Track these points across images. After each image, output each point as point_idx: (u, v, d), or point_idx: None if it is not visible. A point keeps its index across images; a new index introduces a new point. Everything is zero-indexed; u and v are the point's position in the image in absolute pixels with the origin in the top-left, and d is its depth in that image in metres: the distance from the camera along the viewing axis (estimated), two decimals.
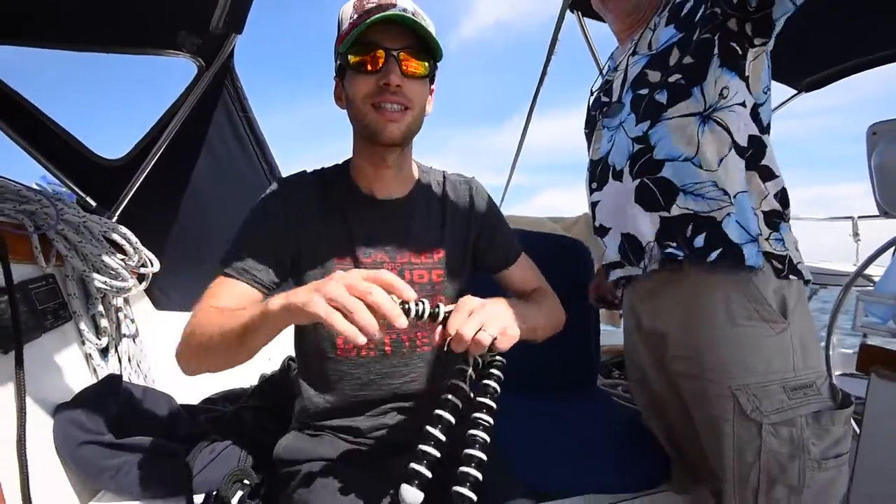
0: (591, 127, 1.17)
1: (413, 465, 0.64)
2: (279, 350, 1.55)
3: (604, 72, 1.21)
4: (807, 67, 1.94)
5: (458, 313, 0.67)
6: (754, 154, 0.92)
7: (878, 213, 1.74)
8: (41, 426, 1.00)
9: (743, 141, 0.91)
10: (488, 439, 0.66)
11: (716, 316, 0.91)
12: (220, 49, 1.46)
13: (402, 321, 0.59)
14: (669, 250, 0.94)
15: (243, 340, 0.68)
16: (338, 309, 0.57)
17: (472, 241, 0.98)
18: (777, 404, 0.87)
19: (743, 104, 0.90)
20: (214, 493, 0.97)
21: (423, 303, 0.66)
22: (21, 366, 0.94)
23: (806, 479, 0.87)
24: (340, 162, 0.96)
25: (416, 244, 0.91)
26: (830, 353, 1.55)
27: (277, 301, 0.64)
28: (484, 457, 0.65)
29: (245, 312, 0.69)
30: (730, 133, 0.90)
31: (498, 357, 0.71)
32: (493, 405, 0.69)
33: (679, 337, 0.99)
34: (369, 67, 0.78)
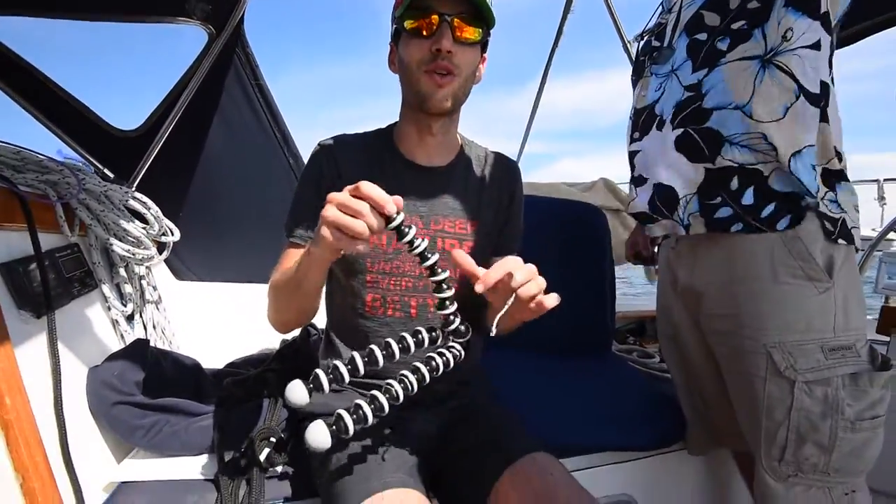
0: (638, 74, 1.11)
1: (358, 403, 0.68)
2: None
3: (657, 13, 1.13)
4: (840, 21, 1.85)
5: (519, 268, 0.66)
6: (826, 102, 0.85)
7: None
8: (75, 388, 1.04)
9: (814, 87, 0.83)
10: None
11: (759, 273, 0.89)
12: (231, 15, 1.44)
13: (390, 207, 0.62)
14: (716, 210, 0.90)
15: (301, 284, 0.76)
16: (338, 227, 0.62)
17: (501, 223, 0.99)
18: (813, 363, 0.86)
19: (816, 45, 0.82)
20: (242, 449, 1.01)
21: (411, 228, 0.65)
22: (53, 331, 0.97)
23: (837, 440, 0.86)
24: (382, 127, 0.98)
25: (451, 213, 0.93)
26: None
27: (312, 244, 0.70)
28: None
29: (296, 262, 0.76)
30: (795, 79, 0.83)
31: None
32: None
33: (718, 294, 0.97)
34: (424, 32, 0.80)
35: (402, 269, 0.91)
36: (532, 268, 0.68)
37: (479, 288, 0.67)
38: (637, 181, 1.05)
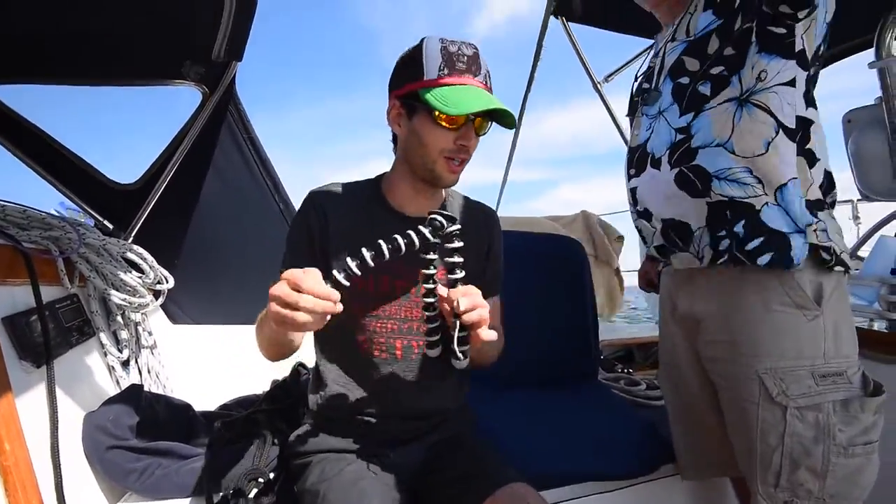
0: (632, 113, 1.17)
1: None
2: (290, 357, 1.64)
3: (649, 57, 1.18)
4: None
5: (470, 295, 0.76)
6: (803, 136, 0.89)
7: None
8: (71, 433, 1.08)
9: (790, 122, 0.87)
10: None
11: (750, 301, 0.92)
12: (223, 76, 1.55)
13: (331, 295, 0.68)
14: (720, 242, 0.93)
15: (280, 340, 0.88)
16: (286, 304, 0.67)
17: (481, 269, 1.05)
18: (804, 389, 0.87)
19: (791, 82, 0.87)
20: (232, 490, 1.05)
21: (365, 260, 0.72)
22: (52, 379, 1.02)
23: (830, 465, 0.87)
24: (369, 178, 1.04)
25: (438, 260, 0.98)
26: None
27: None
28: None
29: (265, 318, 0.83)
30: (772, 115, 0.87)
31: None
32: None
33: (713, 322, 0.99)
34: (453, 126, 0.86)
35: (387, 311, 0.95)
36: (477, 297, 0.76)
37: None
38: (643, 215, 1.09)
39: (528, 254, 1.69)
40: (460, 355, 0.80)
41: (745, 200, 0.89)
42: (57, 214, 1.24)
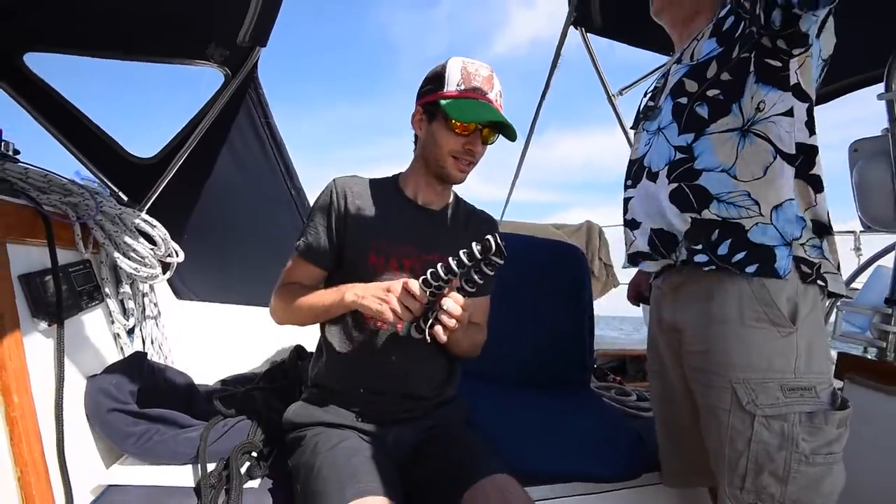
0: (636, 128, 1.23)
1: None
2: (291, 340, 1.68)
3: (655, 78, 1.24)
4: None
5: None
6: (805, 161, 0.94)
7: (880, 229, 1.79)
8: (74, 394, 1.11)
9: (789, 148, 0.94)
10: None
11: (729, 315, 0.97)
12: (246, 60, 1.59)
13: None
14: (696, 256, 0.99)
15: (328, 313, 1.04)
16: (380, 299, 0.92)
17: None
18: (772, 400, 0.92)
19: (789, 112, 0.93)
20: (225, 462, 1.08)
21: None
22: (61, 338, 1.06)
23: (791, 472, 0.91)
24: (389, 176, 1.18)
25: (440, 248, 1.07)
26: None
27: (349, 296, 0.97)
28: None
29: (327, 296, 1.02)
30: (771, 142, 0.93)
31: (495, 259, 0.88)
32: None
33: (694, 332, 1.04)
34: (463, 132, 1.02)
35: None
36: (465, 313, 0.92)
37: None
38: (631, 224, 1.15)
39: (530, 257, 1.72)
40: (418, 332, 0.96)
41: (737, 221, 0.95)
42: (78, 181, 1.28)
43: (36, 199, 1.12)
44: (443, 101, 1.01)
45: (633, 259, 1.18)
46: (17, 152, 1.25)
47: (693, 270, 1.02)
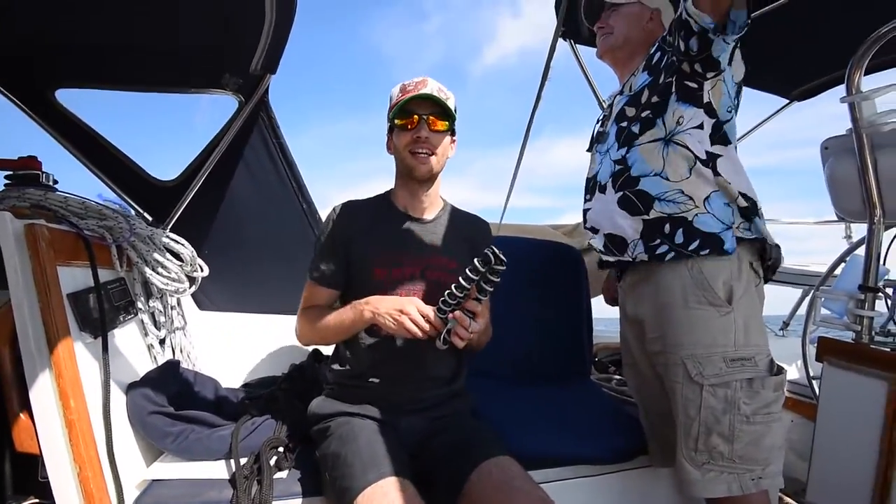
0: (591, 150, 1.42)
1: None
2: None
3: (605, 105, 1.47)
4: (795, 77, 2.07)
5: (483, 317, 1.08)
6: (714, 164, 1.13)
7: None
8: (117, 399, 1.23)
9: (702, 154, 1.13)
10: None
11: (675, 301, 1.14)
12: (258, 87, 1.71)
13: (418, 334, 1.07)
14: (657, 249, 1.15)
15: (350, 330, 1.17)
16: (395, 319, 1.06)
17: None
18: (717, 370, 1.08)
19: (700, 126, 1.13)
20: (255, 455, 1.19)
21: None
22: (106, 349, 1.18)
23: (736, 431, 1.06)
24: (382, 192, 1.31)
25: (437, 253, 1.22)
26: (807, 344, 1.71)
27: (367, 314, 1.11)
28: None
29: (346, 316, 1.15)
30: (690, 150, 1.12)
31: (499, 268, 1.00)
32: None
33: (651, 321, 1.21)
34: (409, 126, 1.17)
35: (413, 291, 1.19)
36: (481, 325, 1.08)
37: None
38: (591, 230, 1.34)
39: (529, 259, 1.83)
40: (441, 342, 1.09)
41: (680, 215, 1.12)
42: (110, 206, 1.40)
43: (77, 224, 1.24)
44: (390, 115, 1.19)
45: (601, 264, 1.39)
46: (55, 182, 1.38)
47: (645, 266, 1.20)
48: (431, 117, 1.16)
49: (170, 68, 1.63)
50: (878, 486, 1.25)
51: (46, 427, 1.01)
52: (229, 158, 1.80)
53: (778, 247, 1.16)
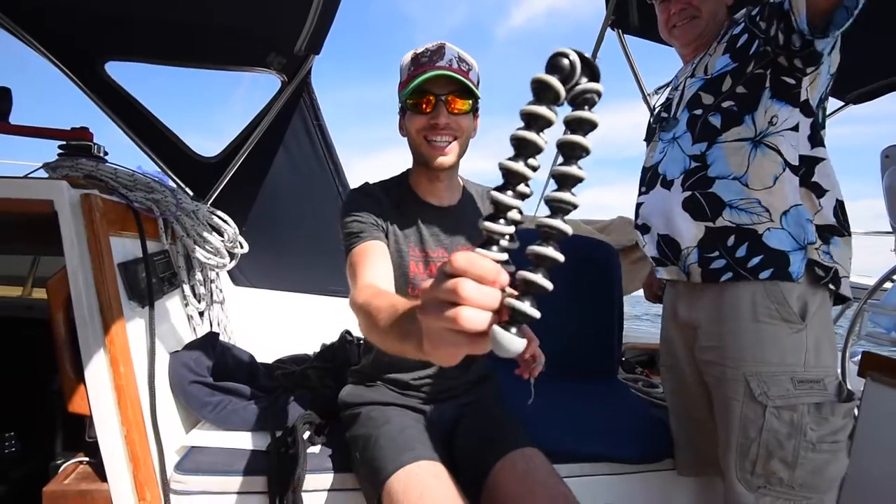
0: (649, 138, 1.31)
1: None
2: (337, 324, 1.83)
3: (668, 89, 1.32)
4: (854, 81, 1.97)
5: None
6: (807, 172, 1.02)
7: None
8: (161, 366, 1.28)
9: (794, 160, 1.01)
10: None
11: (742, 313, 1.04)
12: (301, 67, 1.72)
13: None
14: (712, 262, 1.06)
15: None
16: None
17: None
18: (783, 392, 1.00)
19: (795, 128, 1.01)
20: (290, 429, 1.23)
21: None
22: (151, 319, 1.22)
23: (800, 458, 1.00)
24: (398, 174, 1.18)
25: (464, 244, 1.14)
26: (847, 359, 1.66)
27: (424, 351, 0.82)
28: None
29: (408, 350, 0.67)
30: (781, 154, 1.01)
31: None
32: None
33: (709, 328, 1.11)
34: (424, 108, 1.00)
35: None
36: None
37: None
38: (642, 229, 1.23)
39: (564, 254, 1.80)
40: (517, 332, 0.95)
41: (751, 227, 1.03)
42: (156, 179, 1.44)
43: (126, 196, 1.28)
44: (401, 94, 1.02)
45: (654, 261, 1.25)
46: (106, 153, 1.41)
47: (707, 275, 1.09)
48: (451, 96, 0.99)
49: (217, 45, 1.64)
50: None
51: (97, 390, 1.05)
52: (270, 137, 1.83)
53: (847, 280, 1.05)
